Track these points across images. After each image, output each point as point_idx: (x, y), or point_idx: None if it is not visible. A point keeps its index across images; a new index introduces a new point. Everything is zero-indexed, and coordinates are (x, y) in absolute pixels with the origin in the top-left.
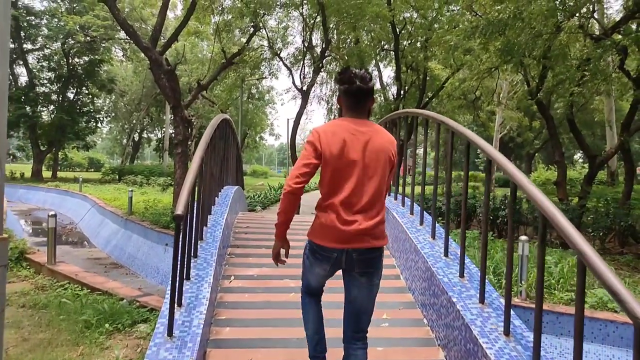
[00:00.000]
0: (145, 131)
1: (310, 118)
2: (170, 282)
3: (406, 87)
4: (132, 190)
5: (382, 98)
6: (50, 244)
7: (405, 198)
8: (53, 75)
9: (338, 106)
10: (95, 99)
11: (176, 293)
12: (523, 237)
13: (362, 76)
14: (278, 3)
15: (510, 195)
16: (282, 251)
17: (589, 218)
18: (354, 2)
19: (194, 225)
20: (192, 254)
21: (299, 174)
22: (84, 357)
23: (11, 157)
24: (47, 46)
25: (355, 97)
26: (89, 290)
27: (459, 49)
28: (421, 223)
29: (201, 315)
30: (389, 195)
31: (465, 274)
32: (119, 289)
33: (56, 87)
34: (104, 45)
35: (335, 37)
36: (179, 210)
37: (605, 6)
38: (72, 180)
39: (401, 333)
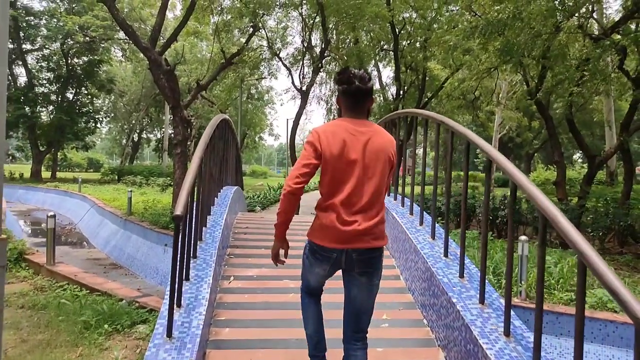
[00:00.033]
0: (144, 131)
1: (310, 118)
2: (169, 282)
3: (405, 87)
4: (131, 191)
5: (382, 98)
6: (50, 245)
7: (405, 198)
8: (52, 75)
9: (337, 106)
10: (94, 99)
11: (175, 294)
12: (523, 237)
13: (361, 76)
14: (277, 3)
15: (510, 195)
16: (282, 251)
17: (588, 218)
18: (353, 2)
19: (193, 225)
20: (191, 255)
21: (299, 174)
22: (83, 358)
23: (10, 157)
24: (46, 46)
25: (354, 98)
26: (88, 291)
27: (458, 49)
28: (421, 223)
29: (200, 316)
30: (388, 195)
31: (465, 275)
32: (118, 290)
33: (55, 88)
34: (103, 45)
35: (335, 37)
36: (178, 210)
37: (604, 6)
38: (72, 180)
39: (401, 334)
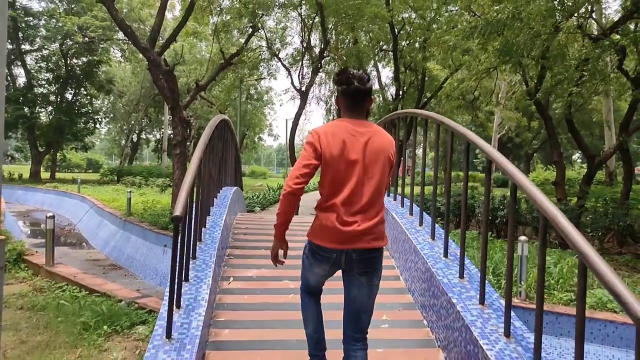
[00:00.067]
0: (143, 132)
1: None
2: (169, 283)
3: (405, 88)
4: (130, 191)
5: (381, 98)
6: (49, 246)
7: (405, 199)
8: (51, 76)
9: (337, 107)
10: (93, 99)
11: (175, 295)
12: (522, 238)
13: (360, 77)
14: (276, 3)
15: (510, 195)
16: (281, 252)
17: (587, 218)
18: (352, 3)
19: (192, 226)
20: (190, 256)
21: (299, 175)
22: (82, 359)
23: (9, 158)
24: (45, 47)
25: (353, 98)
26: (87, 292)
27: (457, 50)
28: (420, 224)
29: (200, 317)
30: (388, 196)
31: (465, 275)
32: (118, 291)
33: (54, 88)
34: (102, 46)
35: (334, 37)
36: (178, 211)
37: (603, 6)
38: (71, 181)
39: (401, 334)
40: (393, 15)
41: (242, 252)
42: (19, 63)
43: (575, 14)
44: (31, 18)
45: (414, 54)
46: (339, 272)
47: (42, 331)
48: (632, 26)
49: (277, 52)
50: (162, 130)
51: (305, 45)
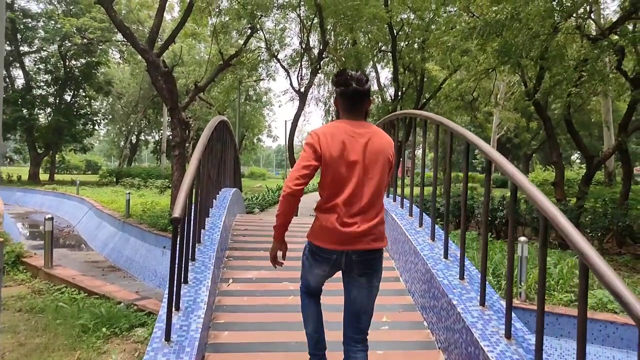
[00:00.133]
0: (142, 133)
1: (308, 120)
2: (168, 285)
3: (404, 89)
4: (129, 193)
5: (380, 99)
6: (47, 248)
7: (404, 200)
8: (50, 77)
9: (335, 108)
10: (92, 101)
11: (174, 297)
12: (522, 238)
13: (358, 78)
14: (275, 4)
15: (510, 196)
16: (280, 253)
17: (586, 218)
18: (351, 4)
19: (191, 228)
20: (189, 257)
21: (299, 176)
22: None
23: (8, 160)
24: (44, 48)
25: (351, 99)
26: (86, 294)
27: (456, 50)
28: (420, 225)
29: (199, 319)
30: (387, 197)
31: (465, 276)
32: (117, 293)
33: (53, 90)
34: (100, 47)
35: (333, 38)
36: (177, 213)
37: (602, 7)
38: (70, 183)
39: (401, 336)
40: (392, 16)
41: (242, 254)
42: (18, 65)
43: (574, 15)
44: (30, 20)
45: (413, 54)
46: (339, 274)
47: (41, 333)
48: (630, 27)
49: (276, 53)
50: (161, 131)
51: (304, 47)
